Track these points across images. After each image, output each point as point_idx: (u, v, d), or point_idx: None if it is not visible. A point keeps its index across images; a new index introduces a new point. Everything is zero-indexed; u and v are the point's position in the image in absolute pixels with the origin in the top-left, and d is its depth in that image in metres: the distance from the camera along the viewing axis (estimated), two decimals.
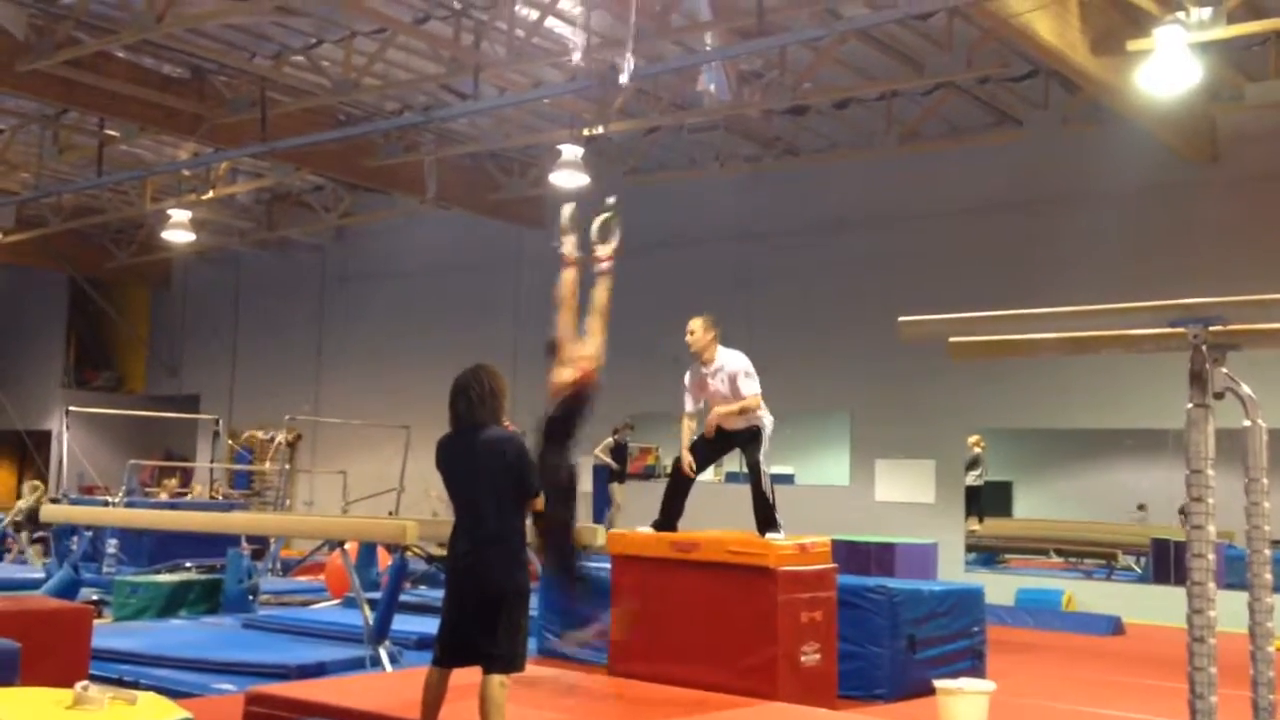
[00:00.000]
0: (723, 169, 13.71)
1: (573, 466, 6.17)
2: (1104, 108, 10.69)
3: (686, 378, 6.80)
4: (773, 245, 14.20)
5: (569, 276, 6.35)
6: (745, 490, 6.83)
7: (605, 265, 6.37)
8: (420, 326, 17.06)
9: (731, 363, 6.68)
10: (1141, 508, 12.16)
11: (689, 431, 6.83)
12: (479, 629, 4.73)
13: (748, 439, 6.70)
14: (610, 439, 14.00)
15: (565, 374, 6.10)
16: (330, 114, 13.21)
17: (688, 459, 6.75)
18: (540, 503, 5.02)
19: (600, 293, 6.34)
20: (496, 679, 4.58)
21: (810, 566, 6.74)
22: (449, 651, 4.81)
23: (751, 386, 6.60)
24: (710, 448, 6.87)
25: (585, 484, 15.13)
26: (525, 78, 11.62)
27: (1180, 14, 8.71)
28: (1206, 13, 8.61)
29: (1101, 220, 11.97)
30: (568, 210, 6.46)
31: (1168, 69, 8.91)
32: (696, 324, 6.73)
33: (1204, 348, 2.73)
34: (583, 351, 6.17)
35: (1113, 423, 11.82)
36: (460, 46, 10.63)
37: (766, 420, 6.69)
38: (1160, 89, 9.28)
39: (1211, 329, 2.73)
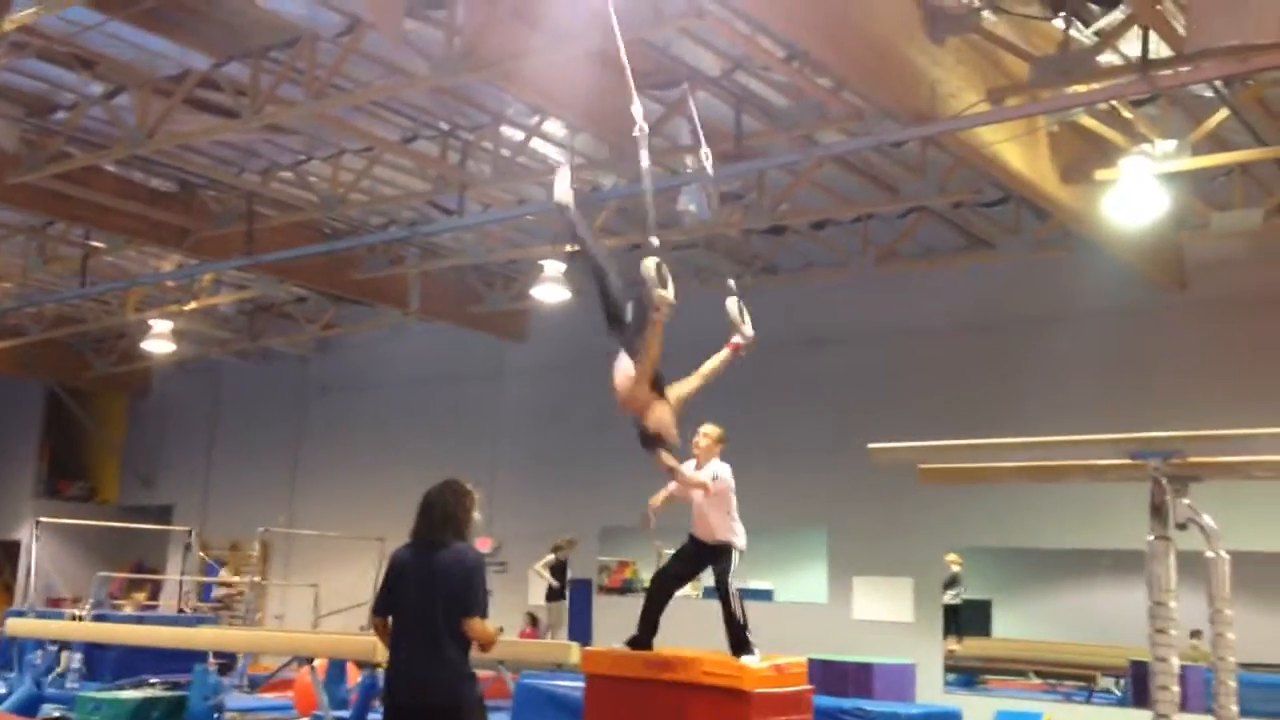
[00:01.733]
0: (702, 285, 13.88)
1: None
2: (1074, 234, 10.95)
3: (690, 465, 6.82)
4: (751, 361, 14.23)
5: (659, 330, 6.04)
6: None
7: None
8: (400, 438, 17.02)
9: (719, 471, 6.77)
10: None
11: (666, 497, 6.78)
12: None
13: (718, 559, 6.70)
14: (550, 555, 13.87)
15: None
16: (316, 228, 13.39)
17: (653, 503, 6.70)
18: (479, 625, 4.93)
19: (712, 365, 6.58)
20: None
21: (786, 688, 6.68)
22: None
23: (709, 477, 6.66)
24: (686, 564, 6.87)
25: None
26: (509, 194, 11.84)
27: (1146, 145, 9.02)
28: (1172, 145, 8.92)
29: (1072, 343, 12.16)
30: (653, 263, 6.14)
31: (1135, 198, 9.19)
32: (710, 430, 6.84)
33: (1164, 480, 2.79)
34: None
35: (1090, 543, 11.82)
36: (446, 164, 10.86)
37: (739, 542, 6.69)
38: (1128, 218, 9.55)
39: (1172, 461, 2.79)
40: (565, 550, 13.96)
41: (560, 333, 14.98)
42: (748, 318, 6.71)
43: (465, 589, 4.90)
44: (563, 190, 6.42)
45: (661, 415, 5.92)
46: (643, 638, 6.75)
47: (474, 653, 5.01)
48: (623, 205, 12.00)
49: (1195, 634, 10.69)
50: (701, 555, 6.80)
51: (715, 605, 6.64)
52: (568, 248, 12.60)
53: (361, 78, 9.36)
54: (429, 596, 4.89)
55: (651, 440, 5.96)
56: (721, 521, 6.71)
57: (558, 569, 13.95)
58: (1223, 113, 8.87)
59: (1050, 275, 12.17)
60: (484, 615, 4.98)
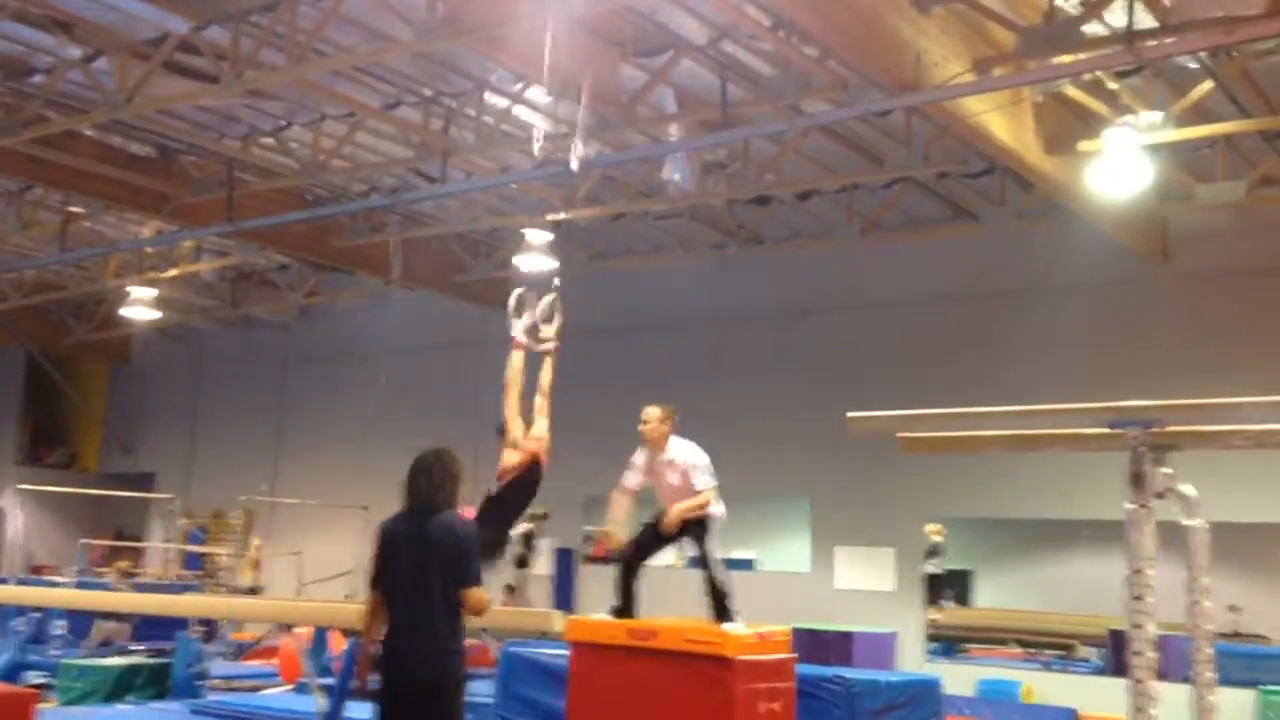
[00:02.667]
0: (687, 256, 13.89)
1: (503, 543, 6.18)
2: (1058, 205, 10.96)
3: (637, 455, 6.79)
4: (736, 331, 14.34)
5: (516, 360, 6.49)
6: None
7: (550, 347, 6.53)
8: (382, 407, 16.97)
9: (684, 454, 6.67)
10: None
11: (622, 507, 6.79)
12: (415, 719, 4.70)
13: (696, 530, 6.68)
14: (527, 525, 13.89)
15: (512, 457, 6.16)
16: (297, 194, 13.29)
17: (616, 535, 6.72)
18: (476, 594, 4.93)
19: (546, 374, 6.46)
20: None
21: (769, 656, 6.71)
22: None
23: (705, 481, 6.59)
24: (658, 537, 6.85)
25: (547, 568, 15.06)
26: (492, 162, 11.77)
27: (1131, 117, 9.01)
28: (1156, 116, 8.92)
29: (1056, 315, 12.20)
30: (515, 295, 6.63)
31: (1119, 170, 9.19)
32: (652, 413, 6.73)
33: (1143, 449, 2.80)
34: (531, 433, 6.25)
35: (1071, 513, 11.90)
36: (429, 131, 10.77)
37: (717, 510, 6.68)
38: (1112, 189, 9.55)
39: (1151, 430, 2.80)
40: (540, 520, 13.99)
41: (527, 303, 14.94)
42: (557, 320, 6.66)
43: (460, 558, 4.88)
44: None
45: (509, 460, 6.20)
46: (625, 607, 6.76)
47: (465, 620, 4.99)
48: (606, 174, 11.94)
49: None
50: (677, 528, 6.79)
51: (699, 575, 6.65)
52: (550, 217, 12.56)
53: (343, 42, 9.26)
54: (423, 567, 4.85)
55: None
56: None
57: (527, 538, 13.99)
58: (1207, 84, 8.87)
59: (1034, 246, 12.19)
60: (479, 584, 4.95)
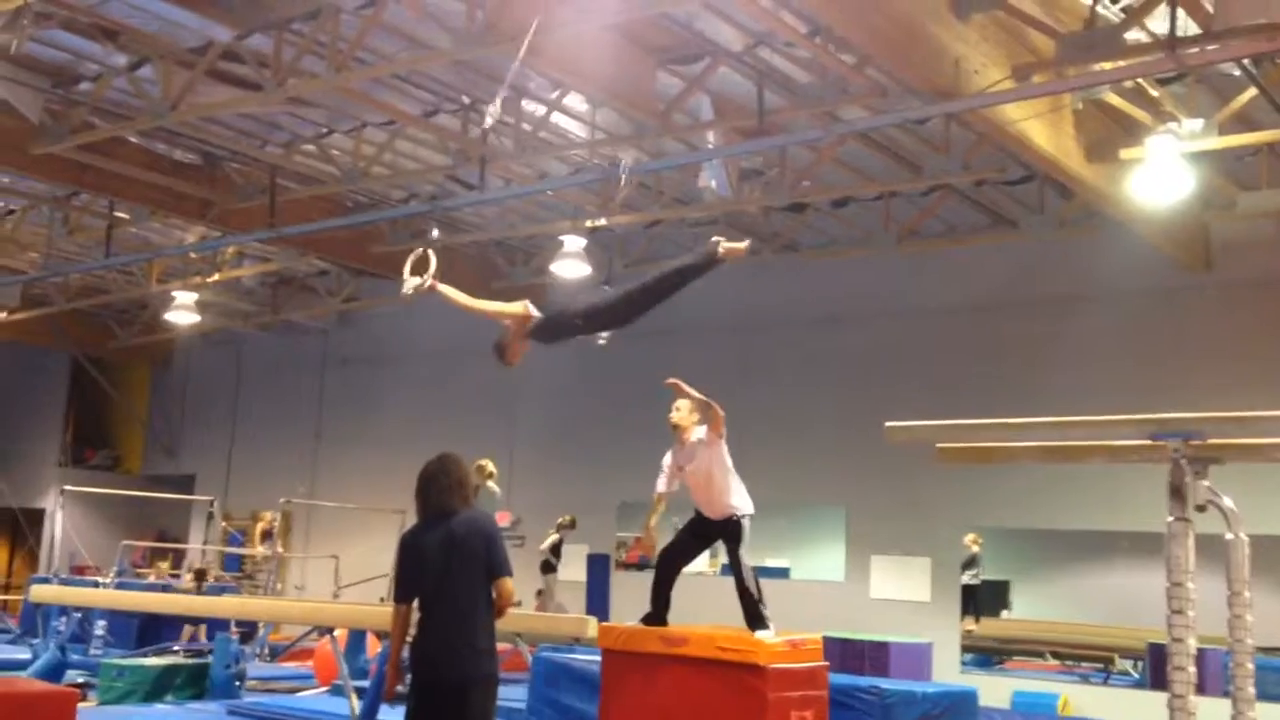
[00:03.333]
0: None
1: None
2: (1099, 213, 10.86)
3: (667, 458, 6.81)
4: (771, 338, 14.31)
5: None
6: None
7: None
8: (419, 411, 17.08)
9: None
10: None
11: (656, 512, 6.80)
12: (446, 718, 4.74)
13: (729, 532, 6.66)
14: (554, 534, 14.07)
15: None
16: (338, 201, 13.42)
17: (651, 537, 6.72)
18: (508, 584, 5.02)
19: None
20: None
21: (801, 664, 6.69)
22: None
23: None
24: (694, 541, 6.84)
25: (581, 574, 15.10)
26: (530, 169, 11.83)
27: (1173, 124, 8.92)
28: (1198, 124, 8.82)
29: (1095, 324, 12.08)
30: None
31: (1160, 178, 9.10)
32: (684, 404, 6.77)
33: (1184, 461, 2.77)
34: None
35: (1109, 524, 11.77)
36: (468, 139, 10.85)
37: (747, 508, 6.64)
38: (1153, 197, 9.46)
39: (1191, 443, 2.77)
40: (567, 529, 14.12)
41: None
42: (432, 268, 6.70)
43: (490, 551, 4.97)
44: None
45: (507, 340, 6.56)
46: (657, 614, 6.76)
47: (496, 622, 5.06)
48: (643, 181, 11.96)
49: None
50: (709, 530, 6.78)
51: (731, 582, 6.64)
52: (588, 223, 12.59)
53: (383, 51, 9.36)
54: (451, 568, 4.91)
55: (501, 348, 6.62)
56: (726, 491, 6.66)
57: (555, 546, 14.12)
58: (1250, 91, 8.76)
59: (1074, 255, 12.08)
60: (510, 574, 5.05)
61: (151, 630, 12.60)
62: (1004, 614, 13.40)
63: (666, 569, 6.80)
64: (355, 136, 11.54)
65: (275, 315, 18.11)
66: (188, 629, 12.70)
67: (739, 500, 6.62)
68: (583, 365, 15.56)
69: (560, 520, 14.22)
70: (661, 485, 6.76)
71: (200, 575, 14.02)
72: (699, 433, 6.68)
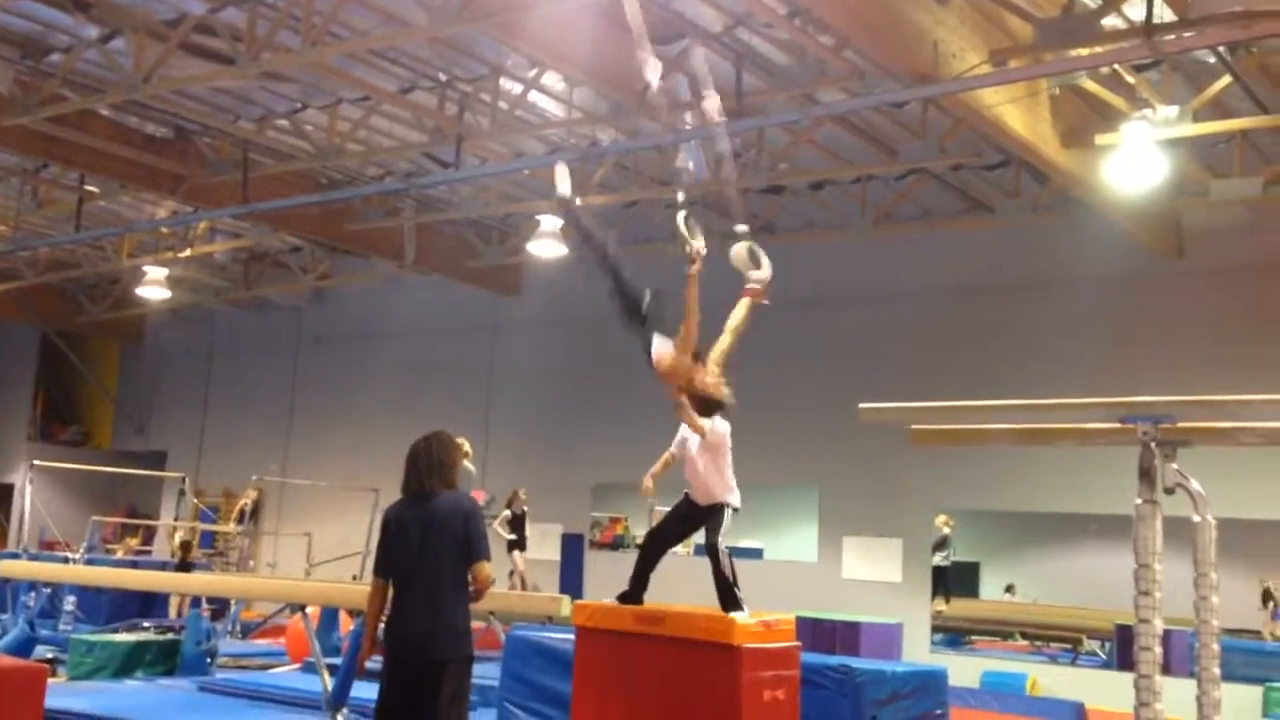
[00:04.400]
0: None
1: None
2: (1073, 199, 10.93)
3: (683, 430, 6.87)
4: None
5: (746, 308, 6.57)
6: None
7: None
8: (393, 390, 17.03)
9: (715, 425, 6.75)
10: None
11: (664, 464, 6.82)
12: (421, 699, 4.75)
13: (710, 518, 6.69)
14: (506, 511, 13.84)
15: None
16: (312, 177, 13.32)
17: (646, 486, 6.73)
18: (486, 569, 5.03)
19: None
20: None
21: (774, 644, 6.73)
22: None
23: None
24: (681, 523, 6.87)
25: (555, 553, 15.13)
26: (507, 148, 11.78)
27: (1147, 111, 8.98)
28: (1173, 111, 8.88)
29: (1068, 309, 12.16)
30: (741, 247, 6.61)
31: (1135, 164, 9.17)
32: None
33: (1153, 445, 2.80)
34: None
35: (1079, 507, 11.90)
36: (444, 116, 10.78)
37: (734, 501, 6.69)
38: (1127, 183, 9.53)
39: (1161, 426, 2.80)
40: (518, 503, 13.88)
41: (554, 289, 14.96)
42: (764, 262, 6.63)
43: (468, 534, 4.97)
44: (564, 188, 6.53)
45: (706, 379, 6.06)
46: (633, 593, 6.79)
47: (471, 603, 5.07)
48: (620, 161, 11.94)
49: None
50: (695, 515, 6.81)
51: (706, 562, 6.66)
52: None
53: (359, 26, 9.28)
54: (430, 548, 4.94)
55: (709, 405, 6.08)
56: (718, 481, 6.70)
57: (515, 522, 13.94)
58: (1225, 79, 8.82)
59: (1048, 240, 12.15)
60: (488, 558, 5.05)
61: (121, 607, 12.53)
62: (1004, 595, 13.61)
63: (652, 550, 6.82)
64: (329, 112, 11.44)
65: (248, 292, 17.99)
66: (174, 599, 12.62)
67: (726, 493, 6.66)
68: (559, 346, 15.56)
69: (509, 497, 13.86)
70: (672, 448, 6.85)
71: (185, 548, 13.96)
72: (709, 423, 6.70)
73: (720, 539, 6.57)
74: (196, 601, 10.72)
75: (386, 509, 5.24)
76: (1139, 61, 8.47)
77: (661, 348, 6.15)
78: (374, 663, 9.47)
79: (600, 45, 8.72)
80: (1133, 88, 9.03)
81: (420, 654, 4.86)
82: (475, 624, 5.27)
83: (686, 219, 6.32)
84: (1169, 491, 2.83)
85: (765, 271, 6.68)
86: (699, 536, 6.91)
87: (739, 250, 6.72)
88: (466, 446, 10.78)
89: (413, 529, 4.99)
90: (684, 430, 6.80)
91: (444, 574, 4.90)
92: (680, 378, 6.06)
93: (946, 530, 13.10)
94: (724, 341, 6.40)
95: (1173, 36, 7.43)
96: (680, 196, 6.46)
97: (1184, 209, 11.42)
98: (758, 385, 13.96)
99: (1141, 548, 2.84)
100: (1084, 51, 7.87)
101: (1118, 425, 2.95)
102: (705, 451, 6.68)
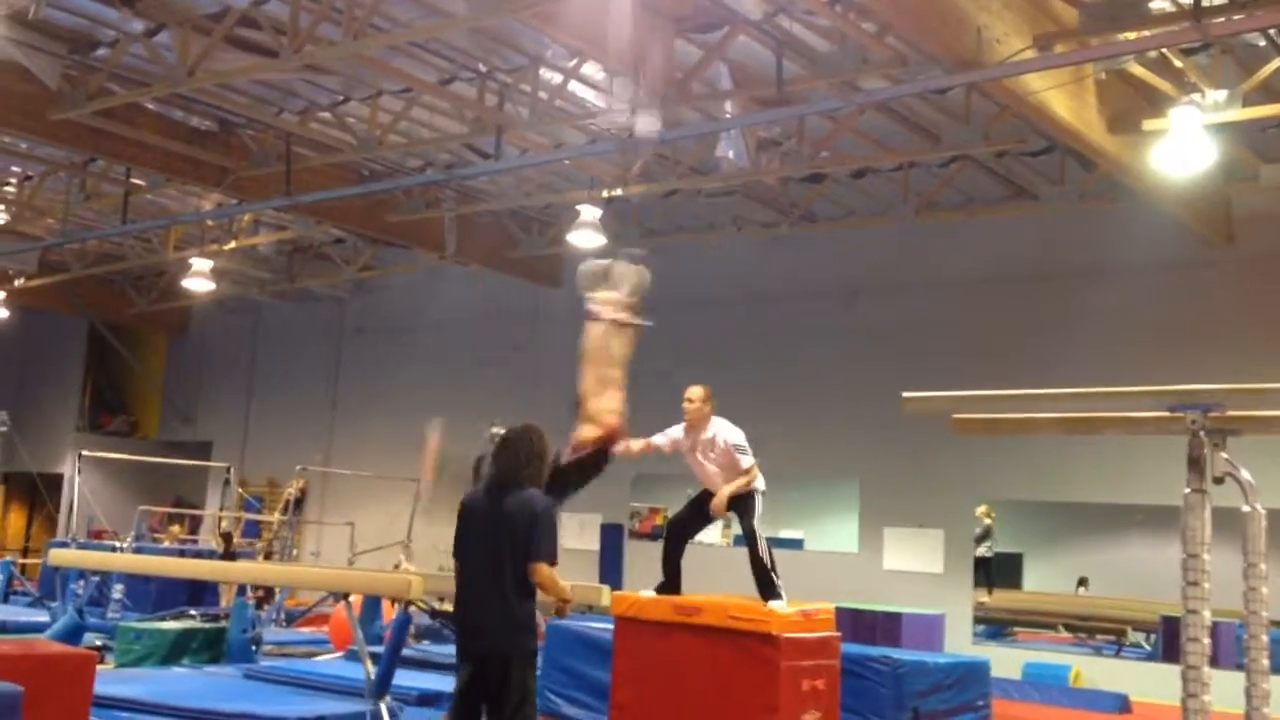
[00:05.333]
0: (739, 233, 13.82)
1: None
2: (1120, 185, 10.76)
3: (675, 429, 6.85)
4: (787, 309, 14.27)
5: (594, 331, 6.46)
6: None
7: (625, 318, 6.50)
8: (435, 380, 17.12)
9: (725, 433, 6.73)
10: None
11: (644, 445, 6.77)
12: (488, 689, 4.76)
13: (741, 505, 6.70)
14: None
15: (588, 430, 6.17)
16: (354, 169, 13.39)
17: (635, 445, 6.67)
18: (545, 571, 4.89)
19: (619, 346, 6.43)
20: None
21: (814, 634, 6.72)
22: (460, 714, 4.88)
23: (748, 459, 6.65)
24: (700, 513, 6.86)
25: (594, 543, 15.16)
26: (547, 138, 11.78)
27: (1196, 95, 8.82)
28: (1222, 95, 8.72)
29: (1115, 296, 12.00)
30: (590, 266, 6.61)
31: (1183, 149, 9.01)
32: (697, 392, 6.80)
33: (1202, 433, 2.75)
34: (607, 406, 6.25)
35: (1124, 497, 11.75)
36: (484, 107, 10.80)
37: (759, 484, 6.70)
38: (1175, 169, 9.37)
39: (1210, 415, 2.75)
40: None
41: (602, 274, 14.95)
42: (627, 282, 6.55)
43: (531, 533, 4.84)
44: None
45: (584, 434, 6.18)
46: (670, 582, 6.80)
47: (542, 598, 4.99)
48: (659, 150, 11.90)
49: None
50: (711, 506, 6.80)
51: (743, 552, 6.65)
52: (604, 193, 12.56)
53: (400, 18, 9.31)
54: (495, 541, 4.87)
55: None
56: (731, 476, 6.69)
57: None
58: (1276, 62, 8.65)
59: (1095, 227, 11.99)
60: (551, 562, 4.90)
61: (168, 595, 12.69)
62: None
63: (674, 541, 6.84)
64: (371, 104, 11.49)
65: (292, 284, 18.14)
66: (225, 589, 12.78)
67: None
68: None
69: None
70: (658, 439, 6.84)
71: (227, 538, 14.12)
72: (717, 430, 6.69)
73: (756, 523, 6.55)
74: (242, 590, 10.83)
75: (466, 493, 5.18)
76: (1187, 45, 8.32)
77: (586, 432, 6.15)
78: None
79: (640, 34, 8.68)
80: (1181, 72, 8.87)
81: (486, 648, 4.86)
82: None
83: (628, 273, 6.39)
84: (1218, 481, 2.78)
85: (616, 294, 6.51)
86: (737, 525, 6.91)
87: (588, 268, 6.63)
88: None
89: (482, 520, 4.96)
90: (678, 432, 6.79)
91: (507, 568, 4.83)
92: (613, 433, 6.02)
93: (988, 521, 13.00)
94: (618, 379, 6.24)
95: (1222, 19, 7.29)
96: (637, 252, 6.53)
97: (1234, 194, 11.23)
98: (797, 375, 14.00)
99: (1190, 537, 2.79)
100: (1131, 35, 7.76)
101: (1166, 414, 2.90)
102: (696, 453, 6.66)
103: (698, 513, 6.85)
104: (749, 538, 6.62)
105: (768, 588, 6.54)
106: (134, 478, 19.25)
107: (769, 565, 6.55)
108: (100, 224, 15.57)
